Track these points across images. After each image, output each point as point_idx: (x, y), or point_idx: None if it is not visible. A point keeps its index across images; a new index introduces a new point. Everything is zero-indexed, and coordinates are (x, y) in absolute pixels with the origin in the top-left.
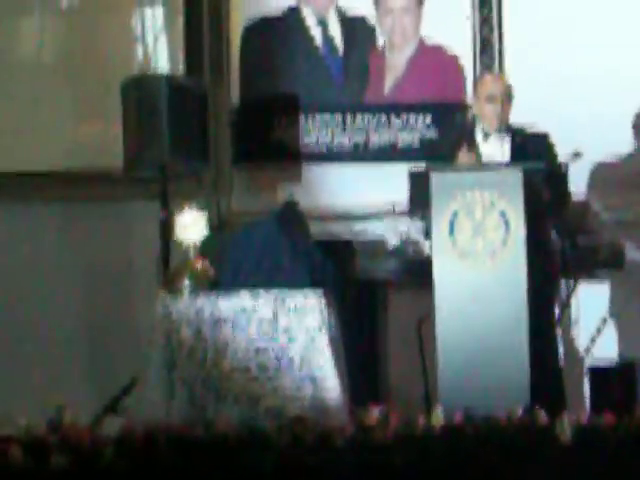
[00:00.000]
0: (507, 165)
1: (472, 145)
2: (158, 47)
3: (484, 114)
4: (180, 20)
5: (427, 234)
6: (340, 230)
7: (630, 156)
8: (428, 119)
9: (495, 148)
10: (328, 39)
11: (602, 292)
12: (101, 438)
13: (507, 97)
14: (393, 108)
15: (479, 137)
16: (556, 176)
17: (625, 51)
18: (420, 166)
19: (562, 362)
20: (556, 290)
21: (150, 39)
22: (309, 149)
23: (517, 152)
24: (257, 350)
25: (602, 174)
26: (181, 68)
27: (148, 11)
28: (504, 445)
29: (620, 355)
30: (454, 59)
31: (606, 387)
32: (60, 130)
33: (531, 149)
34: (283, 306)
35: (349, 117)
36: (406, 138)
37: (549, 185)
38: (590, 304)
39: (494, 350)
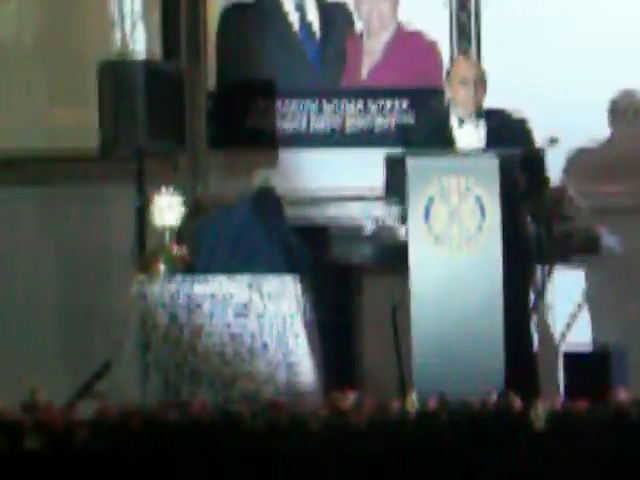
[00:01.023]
0: (483, 151)
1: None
2: (135, 31)
3: (458, 98)
4: (157, 4)
5: (403, 219)
6: (316, 215)
7: (607, 142)
8: (405, 104)
9: (470, 133)
10: (306, 24)
11: (577, 278)
12: (75, 420)
13: (481, 81)
14: (370, 93)
15: (454, 122)
16: (533, 161)
17: (604, 34)
18: (396, 151)
19: (537, 348)
20: (531, 276)
21: (128, 23)
22: (285, 134)
23: (493, 137)
24: (232, 334)
25: (579, 160)
26: (158, 52)
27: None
28: (478, 431)
29: (594, 340)
30: (432, 44)
31: (580, 373)
32: (36, 113)
33: (507, 134)
34: (258, 290)
35: (325, 102)
36: (383, 123)
37: (526, 170)
38: (565, 290)
39: (469, 336)
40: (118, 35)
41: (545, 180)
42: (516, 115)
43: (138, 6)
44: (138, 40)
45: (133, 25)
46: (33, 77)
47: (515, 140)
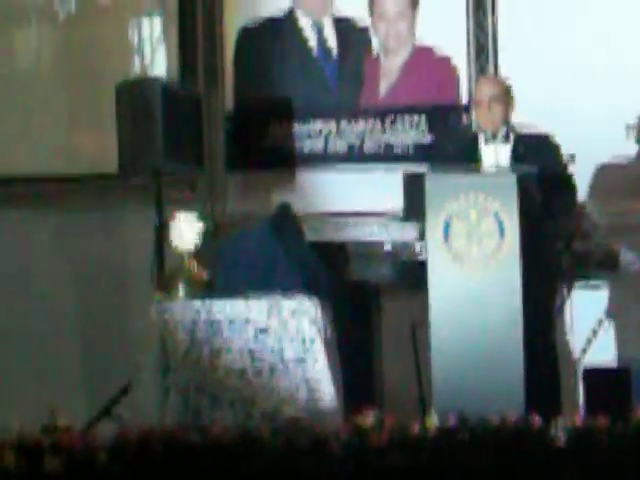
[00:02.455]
0: (501, 169)
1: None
2: (154, 54)
3: (478, 117)
4: (174, 25)
5: (422, 237)
6: (334, 234)
7: (628, 159)
8: (423, 123)
9: (497, 151)
10: (323, 43)
11: (597, 294)
12: (95, 442)
13: (504, 99)
14: (388, 112)
15: (481, 140)
16: (559, 178)
17: (624, 51)
18: (415, 170)
19: (558, 364)
20: (551, 293)
21: (147, 47)
22: (304, 154)
23: (519, 154)
24: (252, 354)
25: (599, 177)
26: (175, 73)
27: (144, 19)
28: (498, 449)
29: (614, 357)
30: (448, 62)
31: (601, 389)
32: (55, 137)
33: (533, 151)
34: (278, 310)
35: (344, 122)
36: (401, 142)
37: (550, 187)
38: (585, 307)
39: (489, 354)
40: (136, 58)
41: (572, 197)
42: (542, 132)
43: (158, 30)
44: (157, 62)
45: (152, 48)
46: (53, 101)
47: (541, 157)
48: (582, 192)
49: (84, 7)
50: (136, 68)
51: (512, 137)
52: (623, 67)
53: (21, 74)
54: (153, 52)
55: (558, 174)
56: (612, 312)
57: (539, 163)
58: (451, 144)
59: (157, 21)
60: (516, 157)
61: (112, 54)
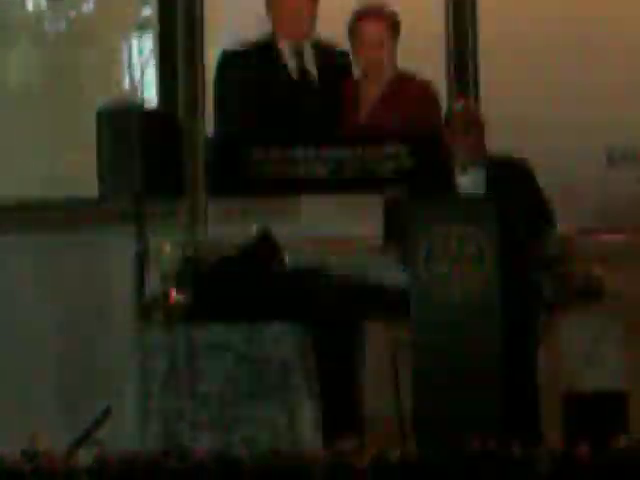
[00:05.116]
0: (481, 195)
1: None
2: (144, 77)
3: (455, 145)
4: (154, 52)
5: (402, 263)
6: (315, 260)
7: (605, 184)
8: (403, 149)
9: (472, 178)
10: (303, 68)
11: (579, 320)
12: (76, 467)
13: (478, 125)
14: (368, 139)
15: (456, 168)
16: (535, 204)
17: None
18: (395, 196)
19: (538, 390)
20: (533, 319)
21: (135, 67)
22: (284, 179)
23: (495, 180)
24: (232, 380)
25: (579, 202)
26: (155, 99)
27: (134, 42)
28: (479, 475)
29: (597, 384)
30: (428, 86)
31: (582, 417)
32: (37, 160)
33: (510, 176)
34: (258, 337)
35: (324, 147)
36: (382, 168)
37: (527, 213)
38: (567, 332)
39: (469, 379)
40: (122, 83)
41: (548, 223)
42: (517, 157)
43: (147, 52)
44: (146, 86)
45: (142, 71)
46: (36, 124)
47: (517, 182)
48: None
49: (73, 27)
50: (125, 88)
51: (486, 163)
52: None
53: (6, 94)
54: (143, 72)
55: (533, 199)
56: (593, 338)
57: (515, 188)
58: (432, 170)
59: (147, 40)
60: (492, 183)
61: (96, 76)
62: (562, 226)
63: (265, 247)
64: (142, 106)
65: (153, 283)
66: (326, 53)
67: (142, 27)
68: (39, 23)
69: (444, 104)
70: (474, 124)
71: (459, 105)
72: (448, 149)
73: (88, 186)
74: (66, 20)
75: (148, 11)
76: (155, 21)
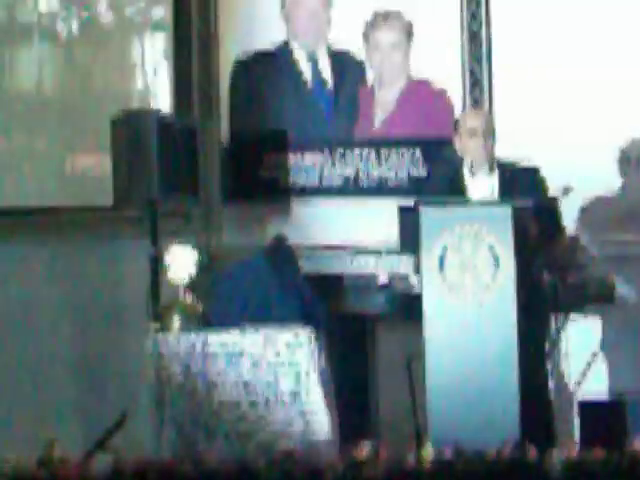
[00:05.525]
0: (496, 201)
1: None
2: (157, 79)
3: (468, 149)
4: (170, 57)
5: (417, 269)
6: (329, 265)
7: (620, 190)
8: (417, 155)
9: (482, 184)
10: (318, 74)
11: (592, 326)
12: (91, 474)
13: (490, 132)
14: (382, 143)
15: (466, 173)
16: (546, 211)
17: (617, 85)
18: (409, 201)
19: (552, 397)
20: (546, 325)
21: (149, 74)
22: (299, 185)
23: (506, 187)
24: (247, 386)
25: (593, 209)
26: (171, 104)
27: (147, 45)
28: None
29: (610, 389)
30: (443, 94)
31: (596, 422)
32: (52, 165)
33: (520, 184)
34: (272, 342)
35: (338, 153)
36: (395, 173)
37: (539, 220)
38: (580, 339)
39: (484, 385)
40: (136, 87)
41: (559, 229)
42: (529, 165)
43: (160, 49)
44: (159, 88)
45: (154, 73)
46: (51, 126)
47: (528, 190)
48: (575, 224)
49: (87, 27)
50: (135, 94)
51: (497, 169)
52: (619, 101)
53: (21, 97)
54: (155, 75)
55: (546, 206)
56: (606, 344)
57: (526, 195)
58: (445, 177)
59: (160, 40)
60: (504, 189)
61: (111, 79)
62: (575, 232)
63: (280, 253)
64: (157, 112)
65: (168, 288)
66: (341, 59)
67: (156, 28)
68: (52, 24)
69: (457, 111)
70: (483, 128)
71: (468, 109)
72: (459, 154)
73: (102, 193)
74: (79, 20)
75: (162, 12)
76: (169, 22)
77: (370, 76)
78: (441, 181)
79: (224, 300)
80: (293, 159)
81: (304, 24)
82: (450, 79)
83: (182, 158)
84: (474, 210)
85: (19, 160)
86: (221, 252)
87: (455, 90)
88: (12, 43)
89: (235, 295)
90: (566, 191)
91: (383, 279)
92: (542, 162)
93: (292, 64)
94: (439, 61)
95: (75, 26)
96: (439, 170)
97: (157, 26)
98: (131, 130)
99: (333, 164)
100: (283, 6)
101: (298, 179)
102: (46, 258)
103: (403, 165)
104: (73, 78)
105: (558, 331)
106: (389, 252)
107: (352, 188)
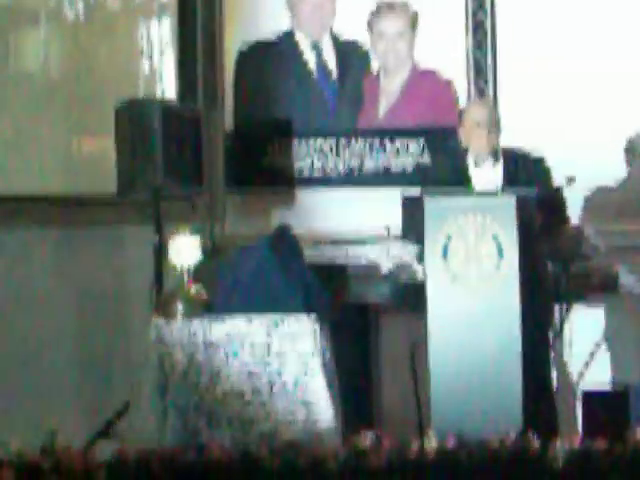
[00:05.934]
0: (500, 190)
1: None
2: (162, 64)
3: (472, 140)
4: (174, 44)
5: (420, 258)
6: (333, 254)
7: (624, 180)
8: (422, 144)
9: (487, 174)
10: (322, 63)
11: (596, 316)
12: (94, 462)
13: (494, 122)
14: (387, 133)
15: (470, 163)
16: (551, 200)
17: (622, 75)
18: (413, 191)
19: (555, 386)
20: (549, 315)
21: (155, 59)
22: (303, 173)
23: (510, 177)
24: (250, 374)
25: (597, 198)
26: (175, 92)
27: (154, 30)
28: (497, 470)
29: (613, 379)
30: (448, 83)
31: (599, 412)
32: (55, 150)
33: (525, 174)
34: (276, 330)
35: (343, 142)
36: (400, 163)
37: (544, 210)
38: (583, 328)
39: (487, 375)
40: (141, 73)
41: (563, 219)
42: (533, 154)
43: (167, 34)
44: (165, 73)
45: (160, 61)
46: (56, 110)
47: (532, 179)
48: (579, 214)
49: (93, 11)
50: (140, 80)
51: (501, 159)
52: (624, 92)
53: (27, 79)
54: (161, 59)
55: (550, 196)
56: (609, 335)
57: (530, 185)
58: (449, 166)
59: (166, 25)
60: (508, 179)
61: (116, 65)
62: (579, 222)
63: (284, 241)
64: (161, 100)
65: (172, 276)
66: (345, 49)
67: (162, 12)
68: (59, 7)
69: (462, 100)
70: (487, 119)
71: (474, 102)
72: (463, 144)
73: (106, 177)
74: (86, 4)
75: None
76: (174, 8)
77: (375, 65)
78: (445, 171)
79: (228, 287)
80: (297, 147)
81: (309, 14)
82: (455, 69)
83: (186, 146)
84: (478, 200)
85: (23, 144)
86: (225, 240)
87: (460, 80)
88: (18, 26)
89: (239, 283)
90: (570, 181)
91: (387, 268)
92: (546, 153)
93: (297, 53)
94: (444, 50)
95: (81, 10)
96: (443, 160)
97: (163, 11)
98: (135, 117)
99: (337, 153)
100: None
101: (302, 168)
102: (49, 244)
103: (407, 154)
104: (79, 62)
105: (561, 321)
106: (393, 241)
107: (356, 176)
